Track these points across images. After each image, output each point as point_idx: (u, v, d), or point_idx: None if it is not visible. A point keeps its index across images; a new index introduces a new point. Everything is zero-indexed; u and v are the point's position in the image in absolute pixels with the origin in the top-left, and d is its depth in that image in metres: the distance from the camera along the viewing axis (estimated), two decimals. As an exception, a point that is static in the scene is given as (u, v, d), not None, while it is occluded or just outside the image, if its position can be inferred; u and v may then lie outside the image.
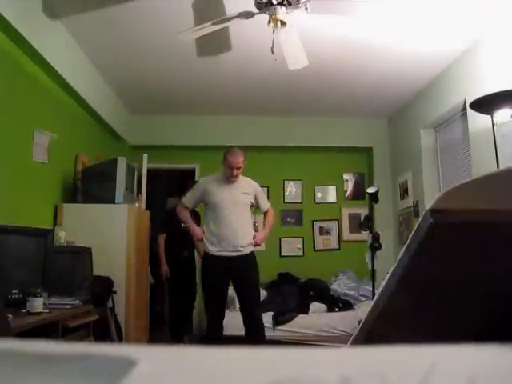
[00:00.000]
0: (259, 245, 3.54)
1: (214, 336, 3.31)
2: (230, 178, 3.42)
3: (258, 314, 3.43)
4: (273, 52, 2.86)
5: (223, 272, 3.33)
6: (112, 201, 3.91)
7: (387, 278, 0.65)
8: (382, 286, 0.66)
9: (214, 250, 3.36)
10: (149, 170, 4.96)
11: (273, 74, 4.37)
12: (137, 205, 4.35)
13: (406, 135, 5.32)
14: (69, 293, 2.97)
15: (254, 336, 3.31)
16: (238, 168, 3.39)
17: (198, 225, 4.42)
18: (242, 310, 3.44)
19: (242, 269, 3.35)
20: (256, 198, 3.56)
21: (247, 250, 3.40)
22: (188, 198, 3.62)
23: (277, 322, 4.52)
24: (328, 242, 5.89)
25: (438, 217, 0.55)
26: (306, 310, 4.68)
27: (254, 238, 3.45)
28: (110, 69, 4.39)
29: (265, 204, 3.67)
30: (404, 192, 5.36)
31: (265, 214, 3.71)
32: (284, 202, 5.86)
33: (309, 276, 5.32)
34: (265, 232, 3.60)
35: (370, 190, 3.62)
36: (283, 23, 2.69)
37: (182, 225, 5.51)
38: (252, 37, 3.66)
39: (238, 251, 3.35)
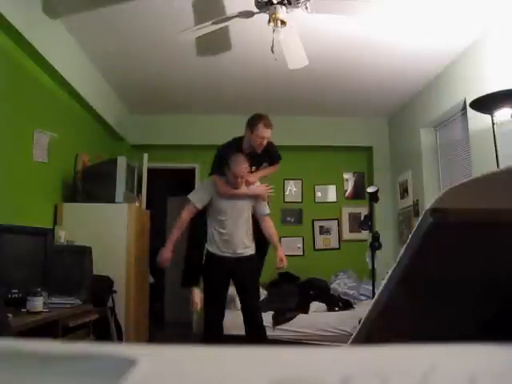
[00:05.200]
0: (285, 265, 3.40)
1: (212, 334, 3.26)
2: (234, 183, 3.26)
3: (259, 316, 3.35)
4: (273, 51, 2.86)
5: (225, 273, 3.29)
6: (112, 200, 3.91)
7: (387, 277, 0.65)
8: (382, 286, 0.66)
9: (216, 251, 3.31)
10: (149, 170, 4.96)
11: (273, 73, 4.37)
12: (137, 204, 4.35)
13: (406, 135, 5.31)
14: (69, 292, 2.97)
15: (255, 338, 3.28)
16: (242, 177, 3.23)
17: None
18: (242, 310, 3.39)
19: (243, 270, 3.30)
20: (256, 200, 3.41)
21: (249, 252, 3.36)
22: (197, 196, 3.34)
23: (277, 321, 4.52)
24: (328, 241, 5.89)
25: (437, 216, 0.55)
26: (305, 310, 4.67)
27: (281, 263, 3.32)
28: (110, 68, 4.39)
29: (264, 209, 3.44)
30: (404, 191, 5.36)
31: (261, 222, 3.43)
32: (284, 202, 5.85)
33: (309, 275, 5.32)
34: (283, 250, 3.45)
35: (370, 190, 3.62)
36: (283, 22, 2.69)
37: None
38: (252, 36, 3.66)
39: (240, 253, 3.31)
